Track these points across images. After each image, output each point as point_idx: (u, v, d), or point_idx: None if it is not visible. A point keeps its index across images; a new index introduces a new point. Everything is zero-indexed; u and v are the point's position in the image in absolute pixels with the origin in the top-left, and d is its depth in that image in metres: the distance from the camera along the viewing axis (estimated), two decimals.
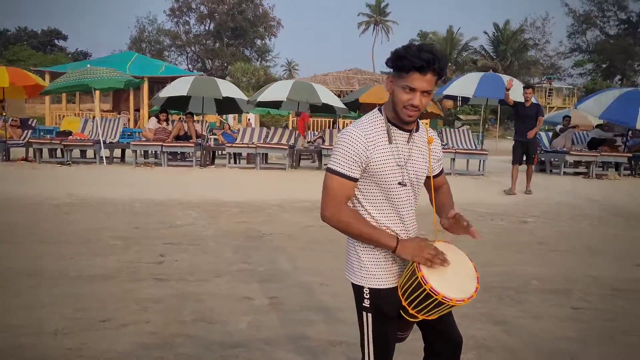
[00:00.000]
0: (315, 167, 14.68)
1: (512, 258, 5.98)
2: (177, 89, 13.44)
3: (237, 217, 7.74)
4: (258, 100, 13.54)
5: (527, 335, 3.81)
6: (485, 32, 54.06)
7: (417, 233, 2.22)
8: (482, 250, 6.10)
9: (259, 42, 59.34)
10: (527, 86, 10.80)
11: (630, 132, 14.74)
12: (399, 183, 2.11)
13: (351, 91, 25.58)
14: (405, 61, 1.99)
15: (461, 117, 43.73)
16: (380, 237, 2.06)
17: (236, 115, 24.54)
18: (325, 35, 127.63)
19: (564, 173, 14.05)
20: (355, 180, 2.08)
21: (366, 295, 2.13)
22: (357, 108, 15.28)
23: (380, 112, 2.14)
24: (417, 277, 1.99)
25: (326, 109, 14.83)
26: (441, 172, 2.34)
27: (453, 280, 2.01)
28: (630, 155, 14.01)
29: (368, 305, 2.13)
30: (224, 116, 23.42)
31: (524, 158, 10.71)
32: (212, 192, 9.82)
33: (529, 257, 6.04)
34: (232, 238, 6.50)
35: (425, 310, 2.05)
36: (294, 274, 5.11)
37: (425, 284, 1.96)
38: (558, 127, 15.80)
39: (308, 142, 15.31)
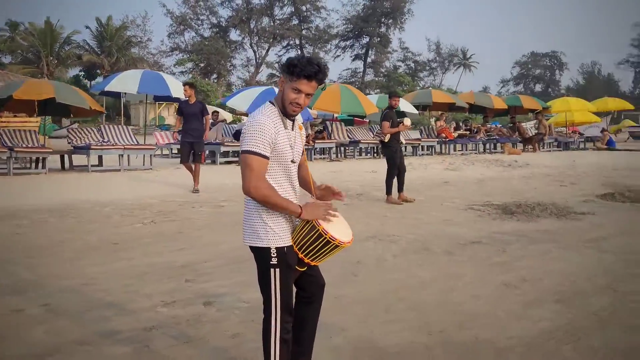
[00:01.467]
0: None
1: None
2: None
3: None
4: None
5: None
6: (88, 27, 51.19)
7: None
8: (218, 228, 6.70)
9: None
10: (185, 83, 10.87)
11: None
12: (292, 161, 2.67)
13: None
14: (296, 69, 2.57)
15: None
16: (290, 206, 2.61)
17: None
18: None
19: (220, 163, 15.49)
20: (268, 158, 2.54)
21: (273, 254, 2.61)
22: (4, 104, 13.60)
23: (274, 105, 2.63)
24: (317, 230, 2.61)
25: None
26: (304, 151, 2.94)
27: (340, 229, 2.71)
28: None
29: (276, 262, 2.61)
30: None
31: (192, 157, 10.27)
32: None
33: None
34: None
35: (320, 257, 2.67)
36: (48, 281, 4.80)
37: (326, 234, 2.60)
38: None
39: None
